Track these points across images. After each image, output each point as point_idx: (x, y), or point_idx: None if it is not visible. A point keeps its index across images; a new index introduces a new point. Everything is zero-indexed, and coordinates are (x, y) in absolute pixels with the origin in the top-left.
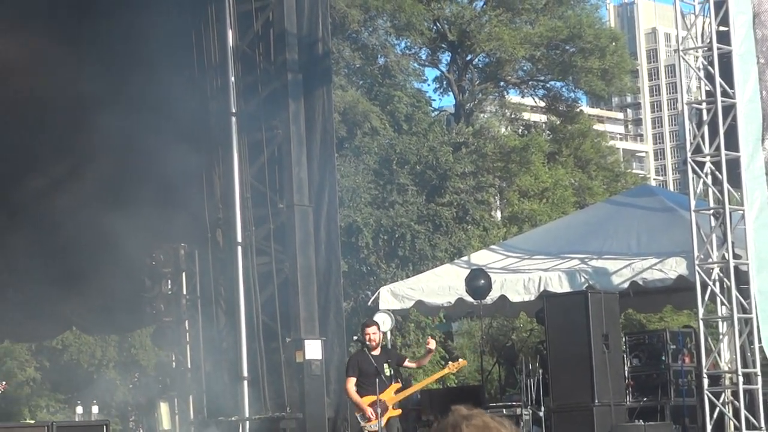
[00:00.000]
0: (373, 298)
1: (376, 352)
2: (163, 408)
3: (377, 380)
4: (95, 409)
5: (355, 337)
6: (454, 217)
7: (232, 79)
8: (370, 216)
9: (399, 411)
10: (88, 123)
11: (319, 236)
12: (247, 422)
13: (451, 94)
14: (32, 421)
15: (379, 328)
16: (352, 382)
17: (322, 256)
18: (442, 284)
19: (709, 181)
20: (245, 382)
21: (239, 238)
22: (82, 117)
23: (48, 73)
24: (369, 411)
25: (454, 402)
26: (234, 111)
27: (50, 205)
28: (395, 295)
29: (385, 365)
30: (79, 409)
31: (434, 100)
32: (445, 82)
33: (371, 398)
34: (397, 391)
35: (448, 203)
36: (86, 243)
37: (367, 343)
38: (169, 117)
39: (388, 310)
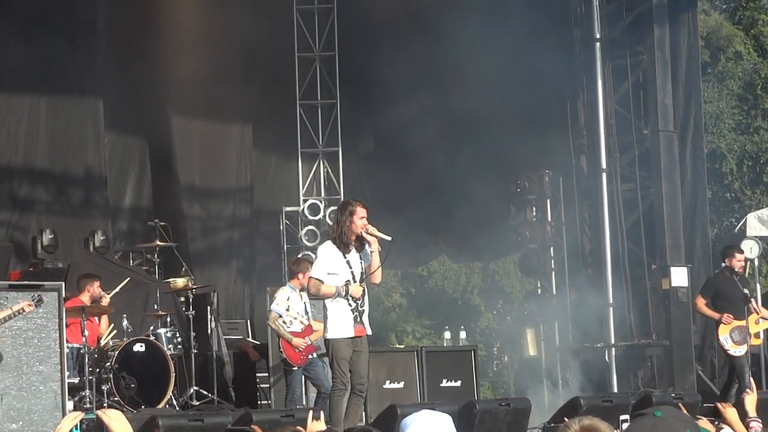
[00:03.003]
0: (739, 224)
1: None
2: (529, 334)
3: (743, 307)
4: (463, 334)
5: (723, 264)
6: None
7: (596, 4)
8: (734, 142)
9: (760, 341)
10: (457, 55)
11: (684, 162)
12: (613, 349)
13: None
14: (401, 346)
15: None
16: (701, 302)
17: (687, 183)
18: None
19: None
20: (610, 309)
21: (603, 165)
22: (450, 48)
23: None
24: (730, 336)
25: None
26: (598, 37)
27: (420, 135)
28: (762, 222)
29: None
30: (447, 334)
31: None
32: None
33: (736, 323)
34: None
35: None
36: (454, 171)
37: (737, 270)
38: (533, 45)
39: (756, 236)
